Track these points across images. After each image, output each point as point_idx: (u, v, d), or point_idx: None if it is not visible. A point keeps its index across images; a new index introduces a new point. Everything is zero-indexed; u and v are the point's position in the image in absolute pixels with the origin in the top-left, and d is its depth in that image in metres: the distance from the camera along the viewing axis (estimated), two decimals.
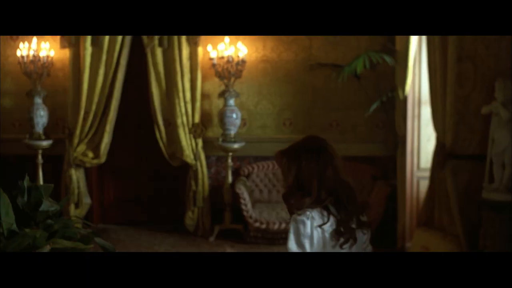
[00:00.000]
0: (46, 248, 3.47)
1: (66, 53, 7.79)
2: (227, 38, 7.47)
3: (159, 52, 7.48)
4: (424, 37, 6.39)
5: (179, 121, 7.52)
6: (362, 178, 7.73)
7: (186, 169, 7.78)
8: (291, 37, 7.71)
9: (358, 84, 7.36)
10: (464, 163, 5.14)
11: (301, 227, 2.80)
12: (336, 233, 2.83)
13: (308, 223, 2.81)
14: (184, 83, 7.49)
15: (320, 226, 2.86)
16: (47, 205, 3.81)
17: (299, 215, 2.82)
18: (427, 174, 6.59)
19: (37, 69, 7.58)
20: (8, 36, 7.90)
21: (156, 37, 7.41)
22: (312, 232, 2.81)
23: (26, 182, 3.96)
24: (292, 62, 7.78)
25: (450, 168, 5.13)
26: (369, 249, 3.01)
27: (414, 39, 6.37)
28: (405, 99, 6.63)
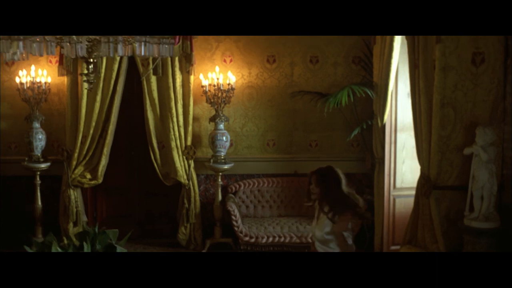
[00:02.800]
0: None
1: (60, 79, 8.21)
2: (217, 67, 8.08)
3: (153, 79, 8.00)
4: (399, 70, 7.22)
5: (173, 144, 8.08)
6: None
7: (176, 188, 8.35)
8: (274, 65, 8.40)
9: (336, 108, 8.08)
10: (445, 193, 5.99)
11: None
12: None
13: None
14: (177, 109, 8.04)
15: None
16: (120, 249, 4.41)
17: None
18: (402, 192, 7.49)
19: (36, 95, 7.96)
20: (4, 62, 8.24)
21: (151, 66, 7.93)
22: None
23: (96, 228, 4.55)
24: (275, 87, 8.47)
25: (434, 197, 5.97)
26: None
27: (393, 73, 7.16)
28: (383, 127, 7.43)
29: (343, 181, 4.86)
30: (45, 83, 8.02)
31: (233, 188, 8.50)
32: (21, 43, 3.63)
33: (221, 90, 8.01)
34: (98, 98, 7.96)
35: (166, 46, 3.96)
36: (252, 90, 8.48)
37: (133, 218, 8.68)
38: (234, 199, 8.29)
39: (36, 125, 8.07)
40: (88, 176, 8.16)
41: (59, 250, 4.08)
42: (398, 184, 7.52)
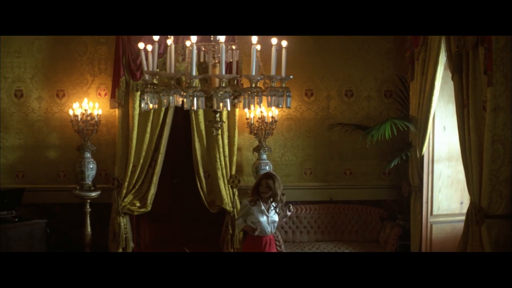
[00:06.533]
0: None
1: (109, 111, 8.57)
2: None
3: (201, 112, 8.41)
4: (438, 105, 7.80)
5: (219, 173, 8.49)
6: (372, 219, 9.04)
7: (215, 215, 8.75)
8: (312, 98, 8.92)
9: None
10: (495, 221, 6.54)
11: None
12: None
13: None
14: (223, 140, 8.47)
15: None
16: None
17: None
18: (438, 219, 8.05)
19: (88, 127, 8.30)
20: (55, 95, 8.59)
21: None
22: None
23: None
24: (312, 119, 8.98)
25: (485, 226, 6.53)
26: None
27: (433, 109, 7.74)
28: (421, 157, 7.99)
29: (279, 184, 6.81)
30: (97, 115, 8.37)
31: None
32: (171, 98, 4.05)
33: (265, 122, 8.48)
34: (148, 129, 8.34)
35: (289, 98, 4.44)
36: (291, 122, 8.98)
37: (175, 243, 9.04)
38: None
39: (88, 155, 8.40)
40: (138, 204, 8.51)
41: None
42: (435, 211, 8.06)
